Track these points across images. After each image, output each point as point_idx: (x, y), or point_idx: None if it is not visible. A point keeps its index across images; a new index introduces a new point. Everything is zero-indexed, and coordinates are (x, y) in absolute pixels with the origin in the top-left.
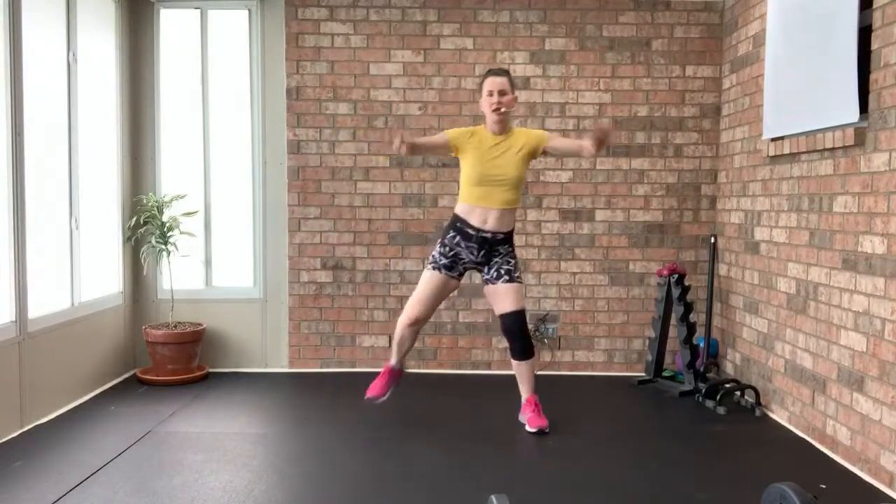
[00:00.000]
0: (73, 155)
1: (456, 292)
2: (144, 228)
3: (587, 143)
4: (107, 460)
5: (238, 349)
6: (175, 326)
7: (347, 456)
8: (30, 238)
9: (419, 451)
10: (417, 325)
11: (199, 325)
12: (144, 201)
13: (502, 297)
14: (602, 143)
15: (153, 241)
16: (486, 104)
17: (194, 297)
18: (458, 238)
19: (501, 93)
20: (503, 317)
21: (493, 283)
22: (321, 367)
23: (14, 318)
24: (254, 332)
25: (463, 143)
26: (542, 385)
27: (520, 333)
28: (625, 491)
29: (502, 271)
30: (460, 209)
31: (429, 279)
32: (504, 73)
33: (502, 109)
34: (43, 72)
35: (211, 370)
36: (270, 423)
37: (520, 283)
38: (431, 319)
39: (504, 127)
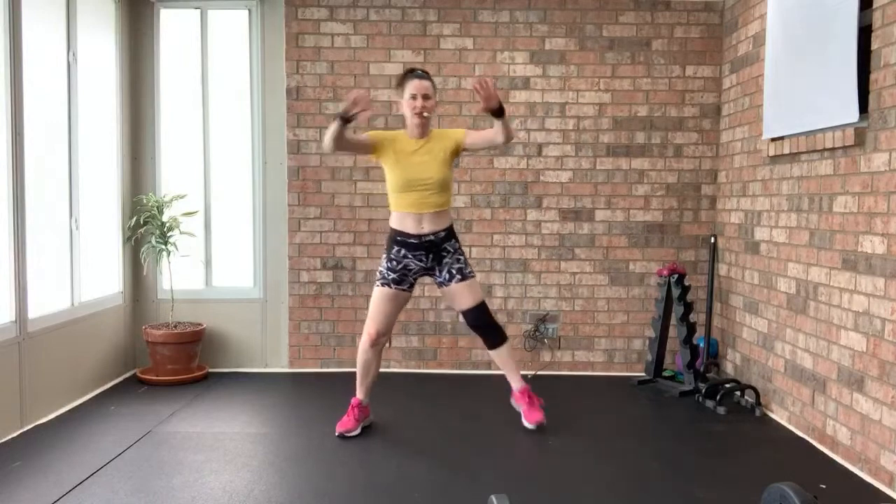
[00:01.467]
0: (73, 155)
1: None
2: (144, 228)
3: (494, 127)
4: (107, 460)
5: (238, 349)
6: (175, 326)
7: (347, 456)
8: (30, 238)
9: (419, 450)
10: (379, 342)
11: (199, 325)
12: (144, 201)
13: (459, 296)
14: (490, 99)
15: (153, 241)
16: (407, 107)
17: (194, 297)
18: (402, 250)
19: (425, 97)
20: (465, 314)
21: (446, 285)
22: (321, 367)
23: (14, 318)
24: (254, 332)
25: (384, 147)
26: (543, 385)
27: (485, 326)
28: (625, 491)
29: (454, 271)
30: (394, 220)
31: (380, 296)
32: (428, 75)
33: (425, 114)
34: (43, 72)
35: (211, 370)
36: (270, 423)
37: (473, 277)
38: (431, 319)
39: (425, 130)
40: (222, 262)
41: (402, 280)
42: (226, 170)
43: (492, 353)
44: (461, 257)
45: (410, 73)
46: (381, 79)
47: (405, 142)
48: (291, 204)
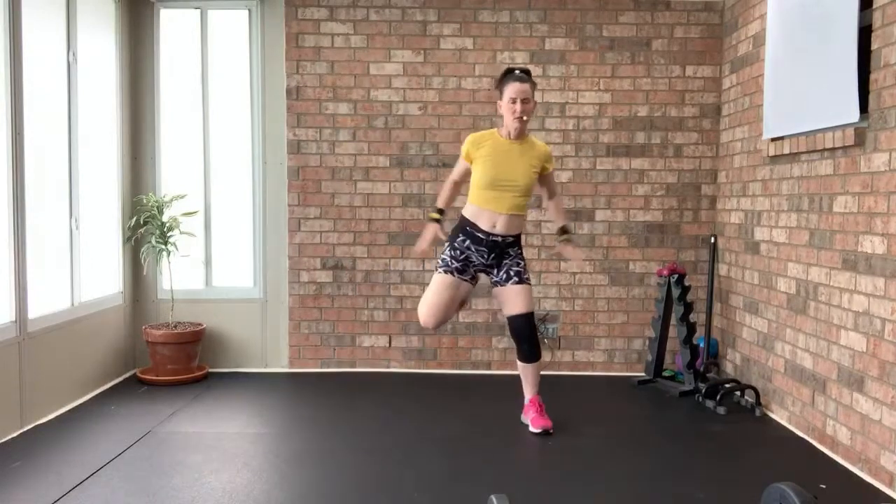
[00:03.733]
0: (73, 155)
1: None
2: (144, 228)
3: (559, 223)
4: (107, 460)
5: (238, 349)
6: (175, 326)
7: (347, 456)
8: (30, 238)
9: (419, 450)
10: (436, 328)
11: (199, 325)
12: (144, 201)
13: (512, 299)
14: (567, 250)
15: (153, 241)
16: (507, 110)
17: (194, 297)
18: (467, 241)
19: (525, 101)
20: (512, 319)
21: (502, 285)
22: (321, 367)
23: (14, 318)
24: (254, 332)
25: (474, 152)
26: (543, 385)
27: (528, 335)
28: (625, 491)
29: (512, 273)
30: (468, 211)
31: (442, 282)
32: (528, 76)
33: (524, 118)
34: (43, 71)
35: (211, 370)
36: (270, 423)
37: (529, 284)
38: None
39: (521, 133)
40: (222, 262)
41: (465, 270)
42: (226, 170)
43: (522, 364)
44: (521, 262)
45: (510, 73)
46: (381, 79)
47: (498, 141)
48: (291, 204)
